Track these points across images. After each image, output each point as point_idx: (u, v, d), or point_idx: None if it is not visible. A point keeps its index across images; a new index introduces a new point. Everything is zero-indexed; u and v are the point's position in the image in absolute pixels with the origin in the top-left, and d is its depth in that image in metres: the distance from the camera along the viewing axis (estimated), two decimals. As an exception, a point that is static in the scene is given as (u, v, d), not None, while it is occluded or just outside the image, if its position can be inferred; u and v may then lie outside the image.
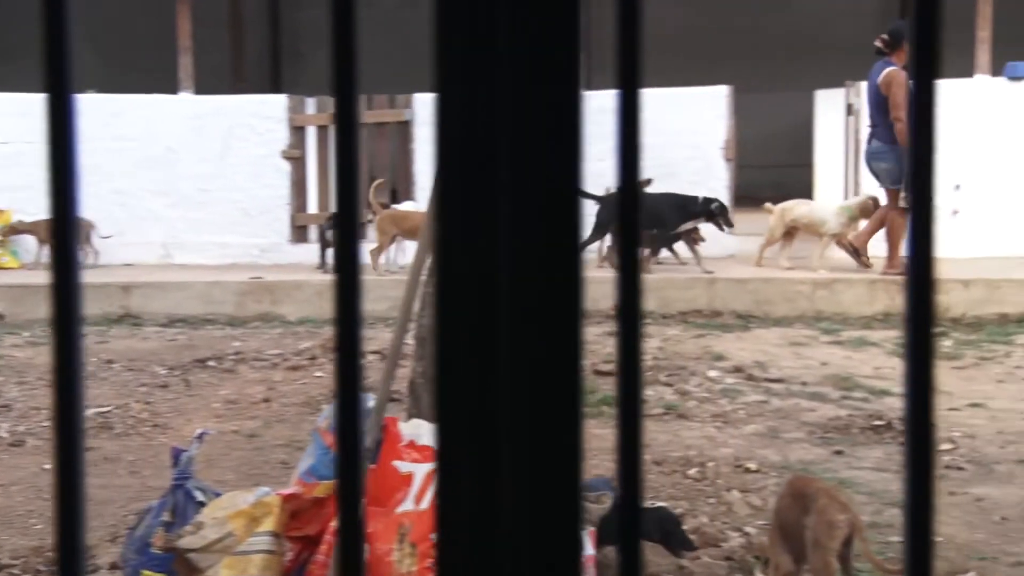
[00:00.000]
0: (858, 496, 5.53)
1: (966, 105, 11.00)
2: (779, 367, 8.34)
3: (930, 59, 0.70)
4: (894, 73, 9.96)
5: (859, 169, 11.35)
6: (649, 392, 7.62)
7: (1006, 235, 10.98)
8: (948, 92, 11.16)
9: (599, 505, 4.32)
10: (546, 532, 0.75)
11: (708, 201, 10.62)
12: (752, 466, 6.05)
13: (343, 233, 0.78)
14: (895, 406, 7.26)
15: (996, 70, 11.13)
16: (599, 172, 11.76)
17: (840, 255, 10.80)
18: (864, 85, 11.27)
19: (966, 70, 11.26)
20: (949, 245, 10.82)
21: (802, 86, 13.23)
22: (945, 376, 8.15)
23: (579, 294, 0.71)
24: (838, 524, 3.95)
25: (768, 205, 10.87)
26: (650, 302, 10.37)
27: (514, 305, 0.72)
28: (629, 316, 0.70)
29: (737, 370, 8.22)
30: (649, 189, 10.96)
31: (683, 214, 10.63)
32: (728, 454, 6.28)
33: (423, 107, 11.41)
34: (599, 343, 8.98)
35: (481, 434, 0.74)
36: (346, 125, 0.78)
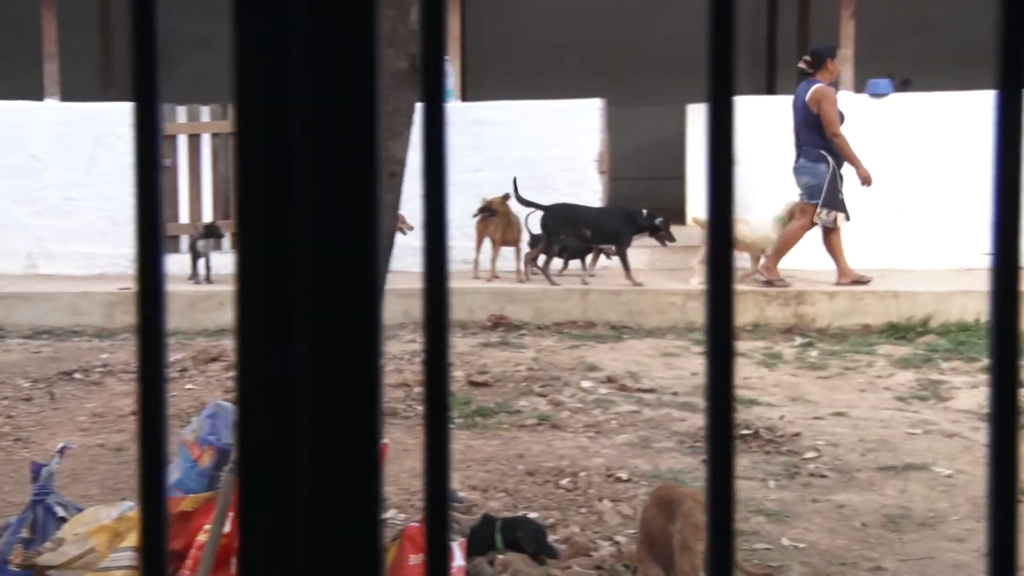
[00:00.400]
0: (726, 504, 5.63)
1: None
2: (651, 377, 8.45)
3: (725, 79, 0.72)
4: (823, 90, 10.27)
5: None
6: (523, 403, 7.66)
7: (868, 248, 11.28)
8: (814, 108, 11.43)
9: (469, 516, 4.33)
10: (345, 543, 0.75)
11: (652, 216, 10.73)
12: (623, 476, 6.12)
13: (143, 244, 0.77)
14: (762, 415, 7.40)
15: (859, 87, 11.44)
16: (476, 183, 11.75)
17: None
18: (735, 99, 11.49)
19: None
20: (813, 258, 11.07)
21: (674, 100, 13.44)
22: (810, 385, 8.35)
23: (378, 303, 0.71)
24: (704, 526, 4.02)
25: (696, 218, 10.97)
26: (525, 313, 10.43)
27: (311, 318, 0.72)
28: (436, 326, 0.71)
29: (610, 380, 8.30)
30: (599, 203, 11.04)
31: (633, 227, 10.72)
32: (600, 464, 6.34)
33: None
34: (474, 354, 9.01)
35: (280, 445, 0.74)
36: (146, 134, 0.78)
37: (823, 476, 6.20)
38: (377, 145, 0.71)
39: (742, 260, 10.91)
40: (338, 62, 0.72)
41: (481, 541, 4.15)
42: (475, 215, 10.84)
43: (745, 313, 10.29)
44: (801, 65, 10.50)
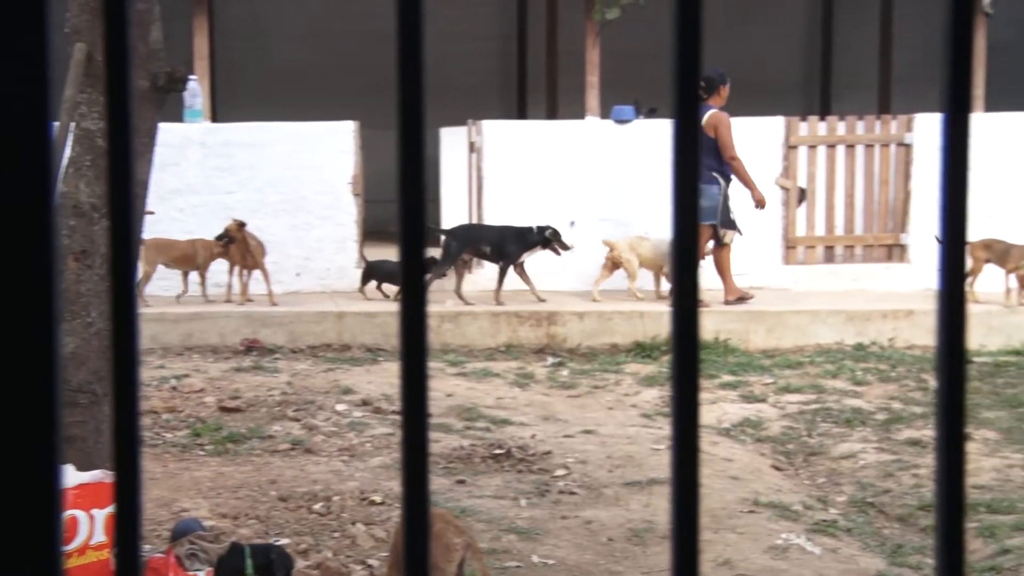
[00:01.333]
0: (477, 524, 5.70)
1: (578, 145, 11.59)
2: (405, 399, 8.47)
3: (415, 114, 0.75)
4: (719, 115, 10.64)
5: (482, 204, 11.71)
6: (276, 427, 7.56)
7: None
8: (562, 133, 11.75)
9: (217, 545, 4.25)
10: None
11: (542, 229, 10.92)
12: (377, 499, 6.11)
13: None
14: (515, 435, 7.52)
15: (605, 113, 11.78)
16: (228, 205, 11.46)
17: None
18: (486, 123, 11.68)
19: (579, 112, 11.88)
20: (566, 279, 11.36)
21: (427, 124, 13.55)
22: (561, 404, 8.53)
23: (55, 331, 0.70)
24: (455, 547, 4.08)
25: (607, 240, 11.14)
26: (279, 337, 10.29)
27: None
28: (123, 346, 0.71)
29: (365, 403, 8.28)
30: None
31: (524, 244, 10.88)
32: (354, 487, 6.31)
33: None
34: (226, 379, 8.83)
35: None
36: None
37: (572, 493, 6.35)
38: (51, 165, 0.70)
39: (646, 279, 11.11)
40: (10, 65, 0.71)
41: (229, 571, 4.07)
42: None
43: (499, 334, 10.44)
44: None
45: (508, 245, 10.94)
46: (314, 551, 5.25)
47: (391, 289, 11.15)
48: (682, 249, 0.71)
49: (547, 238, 10.89)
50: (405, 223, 0.72)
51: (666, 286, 11.05)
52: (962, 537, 0.83)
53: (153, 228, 10.12)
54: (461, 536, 4.11)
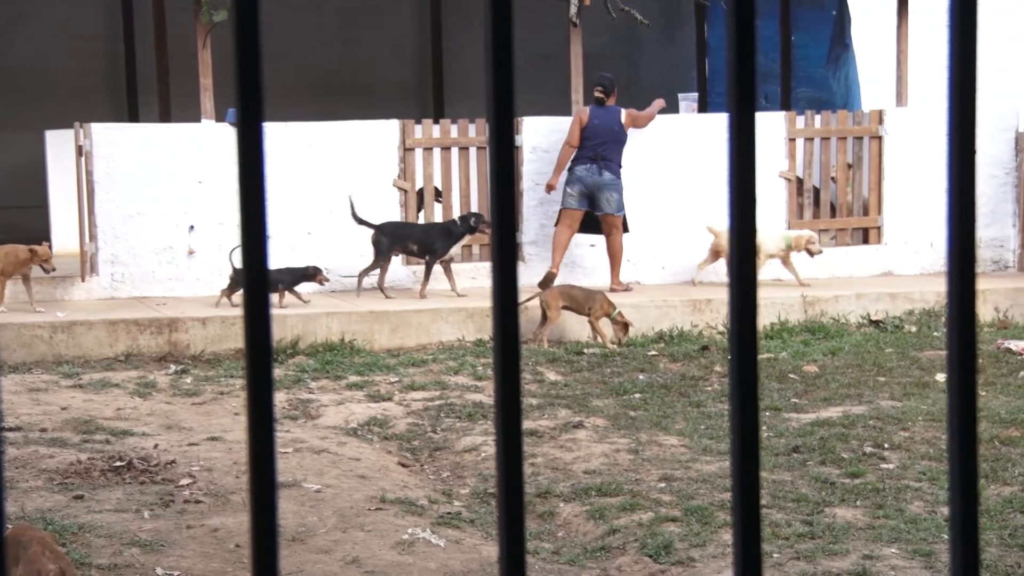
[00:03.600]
0: (97, 539, 5.51)
1: (194, 148, 11.35)
2: (16, 415, 8.05)
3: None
4: (633, 112, 11.62)
5: (94, 210, 11.24)
6: None
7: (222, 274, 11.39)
8: (177, 136, 11.49)
9: None
10: None
11: (465, 219, 11.13)
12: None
13: None
14: (137, 445, 7.31)
15: (220, 115, 11.58)
16: None
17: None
18: (94, 126, 11.22)
19: (194, 115, 11.64)
20: (187, 284, 11.14)
21: (31, 127, 12.93)
22: (185, 412, 8.36)
23: None
24: (48, 572, 3.98)
25: (711, 227, 11.38)
26: None
27: None
28: None
29: (-32, 422, 7.82)
30: None
31: (450, 239, 11.02)
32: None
33: None
34: None
35: None
36: None
37: (198, 501, 6.24)
38: None
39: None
40: None
41: None
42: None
43: (117, 344, 10.09)
44: (598, 94, 11.51)
45: (434, 241, 11.08)
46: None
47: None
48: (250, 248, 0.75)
49: (472, 226, 11.11)
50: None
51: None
52: (521, 515, 0.90)
53: None
54: (57, 562, 4.01)
